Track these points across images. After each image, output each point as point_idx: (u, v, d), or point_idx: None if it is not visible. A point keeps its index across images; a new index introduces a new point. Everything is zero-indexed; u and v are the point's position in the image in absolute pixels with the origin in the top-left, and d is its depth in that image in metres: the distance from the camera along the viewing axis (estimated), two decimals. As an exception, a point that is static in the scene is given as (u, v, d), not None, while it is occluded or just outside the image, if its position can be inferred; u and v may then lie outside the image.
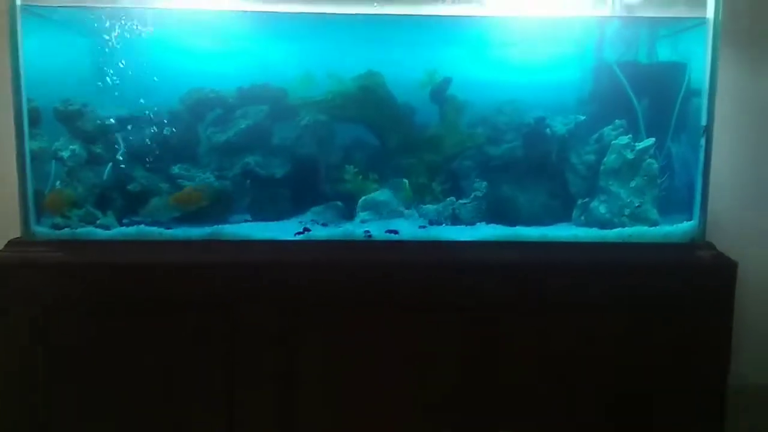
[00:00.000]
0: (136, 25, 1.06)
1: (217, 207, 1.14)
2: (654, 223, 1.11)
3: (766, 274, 1.49)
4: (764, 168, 1.48)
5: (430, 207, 1.18)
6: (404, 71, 1.21)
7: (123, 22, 1.06)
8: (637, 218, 1.12)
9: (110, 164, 1.12)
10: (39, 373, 1.00)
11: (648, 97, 1.21)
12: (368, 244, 1.08)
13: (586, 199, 1.17)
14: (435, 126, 1.23)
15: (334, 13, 1.04)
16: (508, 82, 1.22)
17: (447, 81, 1.22)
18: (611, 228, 1.12)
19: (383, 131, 1.23)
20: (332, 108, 1.20)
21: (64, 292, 1.01)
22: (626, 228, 1.11)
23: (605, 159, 1.15)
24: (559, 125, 1.21)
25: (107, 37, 1.08)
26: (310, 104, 1.20)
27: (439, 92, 1.22)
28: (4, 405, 1.00)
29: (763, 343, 1.56)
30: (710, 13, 1.05)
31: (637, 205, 1.11)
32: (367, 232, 1.09)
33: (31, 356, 1.00)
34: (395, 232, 1.09)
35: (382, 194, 1.17)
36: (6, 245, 1.04)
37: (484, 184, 1.18)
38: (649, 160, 1.11)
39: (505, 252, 1.06)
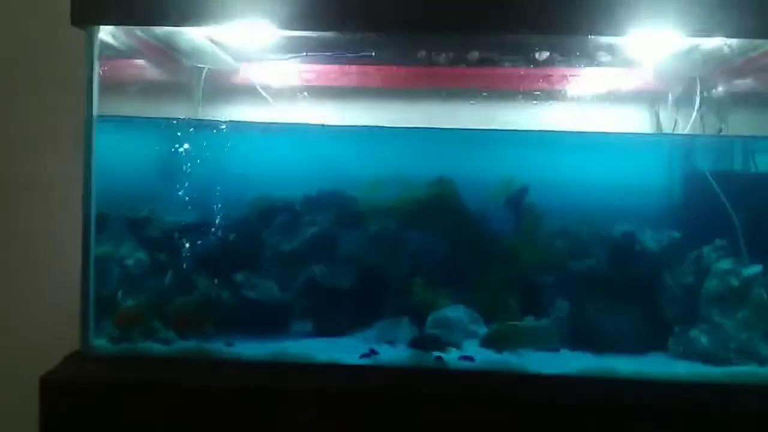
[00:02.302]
0: (206, 136, 1.06)
1: (281, 320, 1.09)
2: (765, 361, 0.98)
3: None
4: None
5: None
6: (479, 179, 1.15)
7: (192, 132, 1.06)
8: (744, 353, 0.99)
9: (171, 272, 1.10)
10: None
11: (746, 212, 1.10)
12: (438, 374, 1.00)
13: (682, 328, 1.04)
14: (511, 237, 1.15)
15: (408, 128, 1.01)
16: (593, 195, 1.14)
17: (524, 190, 1.15)
18: (716, 363, 1.00)
19: (455, 242, 1.16)
20: (401, 215, 1.15)
21: (109, 410, 0.96)
22: (731, 366, 0.99)
23: (706, 284, 1.04)
24: (649, 240, 1.11)
25: (177, 146, 1.08)
26: (379, 211, 1.15)
27: (516, 201, 1.15)
28: None
29: None
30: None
31: (745, 338, 0.98)
32: (440, 357, 1.00)
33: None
34: (470, 358, 1.00)
35: (454, 310, 1.09)
36: (63, 360, 1.01)
37: (566, 303, 1.09)
38: (758, 290, 0.99)
39: (593, 389, 0.95)
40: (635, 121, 1.33)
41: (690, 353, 1.03)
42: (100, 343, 1.04)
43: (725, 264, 1.03)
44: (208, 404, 0.96)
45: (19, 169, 1.37)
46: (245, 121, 1.12)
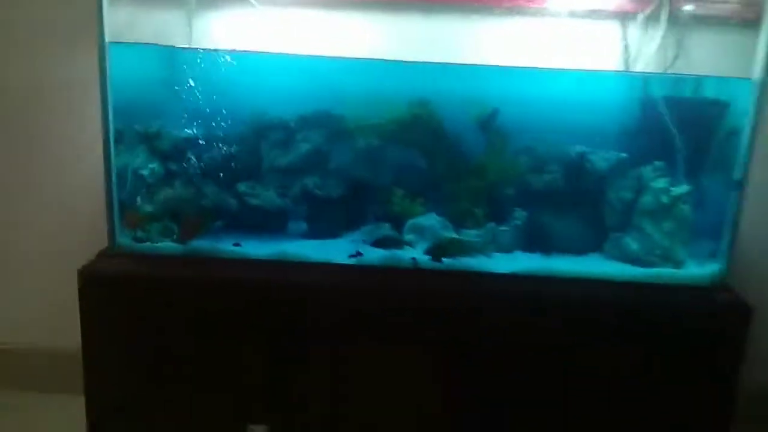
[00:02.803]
0: (210, 62, 1.16)
1: (279, 224, 1.28)
2: (680, 265, 1.20)
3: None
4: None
5: (471, 231, 1.28)
6: (455, 102, 1.28)
7: (199, 59, 1.16)
8: (665, 258, 1.20)
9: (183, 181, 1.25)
10: (126, 361, 1.18)
11: (689, 136, 1.26)
12: (413, 274, 1.20)
13: (618, 235, 1.25)
14: (480, 154, 1.31)
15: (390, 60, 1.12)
16: (555, 120, 1.28)
17: (495, 112, 1.29)
18: (640, 265, 1.21)
19: (432, 158, 1.31)
20: (386, 133, 1.29)
21: (137, 300, 1.16)
22: (654, 267, 1.20)
23: (641, 199, 1.22)
24: (600, 160, 1.28)
25: (185, 68, 1.19)
26: (365, 129, 1.29)
27: (487, 122, 1.30)
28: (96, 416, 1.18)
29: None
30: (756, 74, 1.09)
31: (666, 245, 1.19)
32: (414, 260, 1.20)
33: (122, 354, 1.17)
34: (439, 259, 1.20)
35: (427, 218, 1.27)
36: (96, 256, 1.19)
37: (524, 213, 1.28)
38: (682, 206, 1.18)
39: (537, 285, 1.17)
40: (607, 37, 1.44)
41: (621, 256, 1.24)
42: (125, 241, 1.22)
43: (660, 183, 1.21)
44: (217, 295, 1.16)
45: (37, 73, 1.48)
46: (245, 51, 1.21)
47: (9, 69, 1.49)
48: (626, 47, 1.42)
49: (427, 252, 1.22)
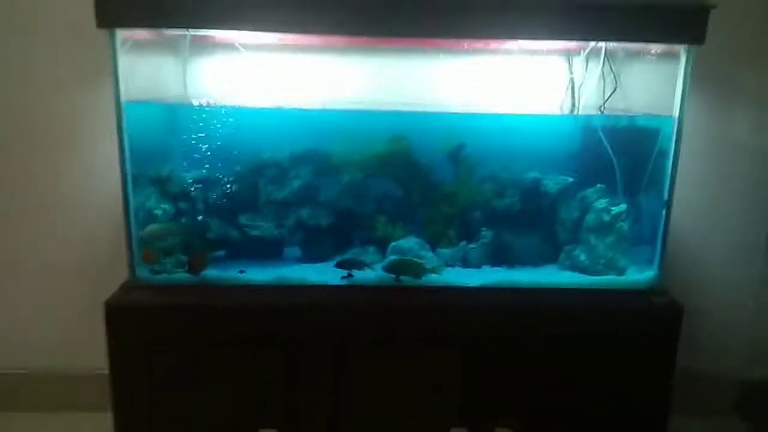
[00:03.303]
0: (212, 114, 1.34)
1: (277, 251, 1.46)
2: (622, 272, 1.42)
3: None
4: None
5: (445, 251, 1.48)
6: (427, 138, 1.48)
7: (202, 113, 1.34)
8: (609, 267, 1.42)
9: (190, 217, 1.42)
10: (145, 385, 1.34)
11: (626, 161, 1.47)
12: (395, 288, 1.40)
13: (569, 248, 1.47)
14: (450, 183, 1.51)
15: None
16: (513, 151, 1.49)
17: (461, 146, 1.49)
18: (588, 274, 1.43)
19: (409, 188, 1.51)
20: (369, 168, 1.48)
21: (158, 327, 1.33)
22: (600, 276, 1.42)
23: (587, 217, 1.44)
24: (551, 184, 1.49)
25: (189, 120, 1.36)
26: (350, 165, 1.48)
27: (455, 155, 1.50)
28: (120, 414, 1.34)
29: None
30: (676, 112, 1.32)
31: (609, 256, 1.41)
32: (397, 278, 1.39)
33: (140, 374, 1.33)
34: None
35: (407, 241, 1.47)
36: (119, 289, 1.35)
37: (490, 232, 1.48)
38: (620, 224, 1.40)
39: (501, 298, 1.37)
40: (553, 70, 1.66)
41: (573, 266, 1.46)
42: (144, 274, 1.38)
43: (601, 203, 1.43)
44: (229, 319, 1.33)
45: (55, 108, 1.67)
46: (241, 106, 1.40)
47: (30, 105, 1.68)
48: (572, 80, 1.64)
49: (384, 269, 1.41)
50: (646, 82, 1.61)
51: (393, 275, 1.40)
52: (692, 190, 1.78)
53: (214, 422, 1.36)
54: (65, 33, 1.62)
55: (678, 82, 1.30)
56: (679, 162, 1.39)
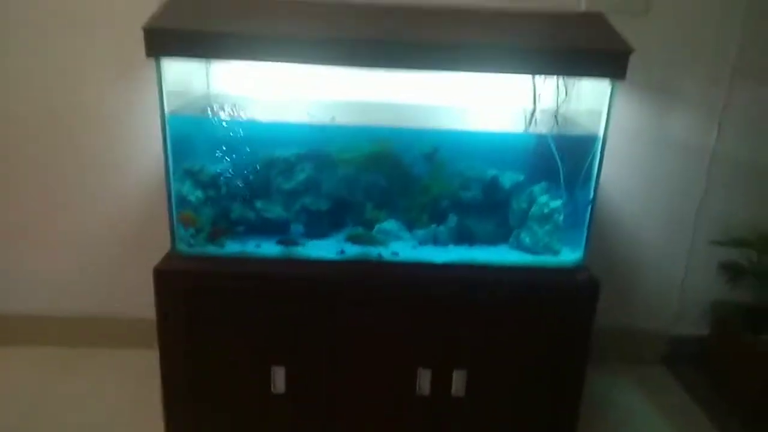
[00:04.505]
0: (235, 122, 1.69)
1: (286, 230, 1.83)
2: (556, 253, 1.78)
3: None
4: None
5: (420, 231, 1.84)
6: (408, 142, 1.82)
7: (228, 124, 1.69)
8: (546, 249, 1.79)
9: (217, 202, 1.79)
10: (189, 333, 1.73)
11: (565, 165, 1.81)
12: (379, 264, 1.77)
13: (517, 232, 1.83)
14: (426, 177, 1.86)
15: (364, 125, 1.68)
16: (477, 154, 1.84)
17: (436, 148, 1.83)
18: (531, 254, 1.79)
19: (392, 180, 1.86)
20: (359, 164, 1.83)
21: (193, 287, 1.71)
22: (540, 255, 1.78)
23: (532, 208, 1.80)
24: (506, 181, 1.84)
25: (216, 127, 1.71)
26: (346, 162, 1.82)
27: (430, 155, 1.84)
28: (167, 362, 1.73)
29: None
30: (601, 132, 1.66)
31: (546, 241, 1.78)
32: (380, 254, 1.76)
33: (182, 325, 1.72)
34: (396, 253, 1.77)
35: (389, 224, 1.83)
36: (163, 258, 1.73)
37: (456, 217, 1.85)
38: (556, 215, 1.76)
39: (462, 271, 1.75)
40: (517, 89, 1.98)
41: (519, 247, 1.82)
42: (182, 247, 1.75)
43: (543, 198, 1.77)
44: (248, 284, 1.70)
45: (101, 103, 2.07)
46: (258, 120, 1.76)
47: (83, 97, 2.08)
48: (534, 90, 1.96)
49: (347, 240, 1.81)
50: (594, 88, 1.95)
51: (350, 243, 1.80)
52: (633, 175, 2.19)
53: (236, 361, 1.75)
54: (115, 35, 2.00)
55: (603, 109, 1.64)
56: (622, 155, 1.79)
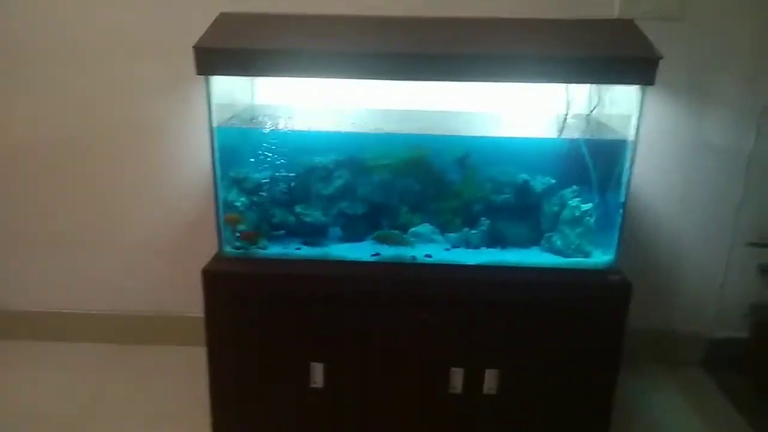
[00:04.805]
0: (277, 133, 1.80)
1: (324, 234, 1.92)
2: (587, 255, 1.82)
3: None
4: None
5: (452, 235, 1.90)
6: (441, 148, 1.89)
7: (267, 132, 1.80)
8: (578, 251, 1.82)
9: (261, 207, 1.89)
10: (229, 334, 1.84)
11: (596, 169, 1.84)
12: (413, 266, 1.84)
13: (549, 235, 1.87)
14: (458, 182, 1.92)
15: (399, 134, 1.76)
16: (508, 158, 1.89)
17: (467, 154, 1.89)
18: (563, 256, 1.83)
19: (426, 185, 1.93)
20: (394, 170, 1.91)
21: (239, 287, 1.81)
22: (571, 258, 1.82)
23: (563, 212, 1.84)
24: (538, 185, 1.89)
25: (260, 137, 1.82)
26: (381, 168, 1.90)
27: (462, 161, 1.91)
28: (214, 358, 1.83)
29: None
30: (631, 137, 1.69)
31: (577, 243, 1.81)
32: (413, 257, 1.83)
33: (228, 323, 1.83)
34: (429, 256, 1.84)
35: (423, 228, 1.90)
36: (211, 259, 1.84)
37: (488, 221, 1.90)
38: (587, 218, 1.79)
39: (494, 272, 1.80)
40: (551, 95, 2.03)
41: (551, 249, 1.86)
42: (228, 249, 1.86)
43: (574, 202, 1.81)
44: (289, 285, 1.80)
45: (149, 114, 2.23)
46: (299, 130, 1.87)
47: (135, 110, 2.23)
48: (567, 95, 2.00)
49: (373, 239, 1.89)
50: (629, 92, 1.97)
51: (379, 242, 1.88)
52: (671, 178, 2.21)
53: (278, 357, 1.85)
54: (167, 53, 2.13)
55: (634, 114, 1.67)
56: (659, 157, 1.85)
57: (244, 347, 1.84)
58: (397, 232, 1.89)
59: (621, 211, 1.74)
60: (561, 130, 1.92)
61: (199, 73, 1.65)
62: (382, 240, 1.88)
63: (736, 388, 2.31)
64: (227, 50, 1.64)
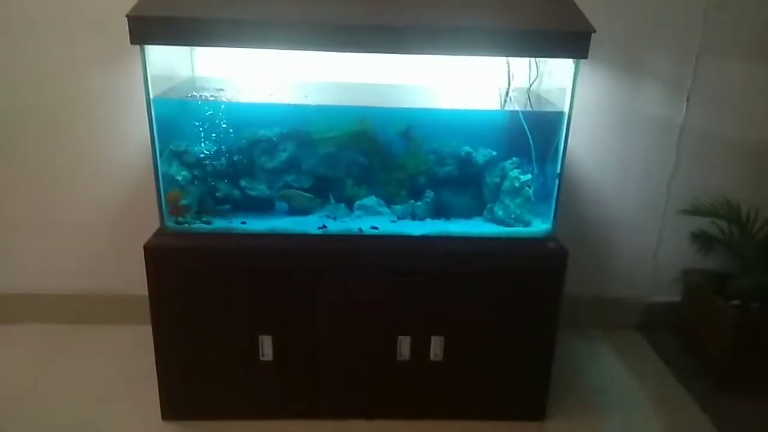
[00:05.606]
0: (218, 104, 1.76)
1: (270, 207, 1.91)
2: (527, 225, 1.88)
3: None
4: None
5: (398, 207, 1.93)
6: (385, 120, 1.90)
7: (211, 106, 1.76)
8: (518, 221, 1.88)
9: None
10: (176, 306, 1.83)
11: (537, 139, 1.90)
12: (359, 238, 1.86)
13: (490, 205, 1.92)
14: (403, 154, 1.94)
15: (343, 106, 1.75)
16: (451, 130, 1.92)
17: (410, 126, 1.92)
18: (504, 226, 1.88)
19: (371, 158, 1.94)
20: (339, 143, 1.91)
21: (182, 262, 1.80)
22: (512, 227, 1.88)
23: (504, 182, 1.89)
24: (480, 156, 1.93)
25: (201, 107, 1.79)
26: (326, 140, 1.91)
27: (406, 133, 1.93)
28: (160, 335, 1.82)
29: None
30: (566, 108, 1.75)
31: (518, 213, 1.87)
32: (360, 229, 1.85)
33: (173, 298, 1.81)
34: (376, 227, 1.86)
35: (369, 200, 1.92)
36: (153, 235, 1.81)
37: (432, 193, 1.93)
38: (526, 189, 1.85)
39: (438, 243, 1.84)
40: (491, 68, 2.07)
41: (493, 219, 1.91)
42: (170, 224, 1.84)
43: (514, 173, 1.86)
44: (235, 259, 1.80)
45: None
46: (241, 101, 1.84)
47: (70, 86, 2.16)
48: (508, 69, 2.04)
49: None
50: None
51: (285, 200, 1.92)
52: (607, 149, 2.29)
53: (226, 332, 1.85)
54: (100, 25, 2.06)
55: (568, 87, 1.72)
56: (595, 130, 1.88)
57: (190, 323, 1.83)
58: (309, 195, 1.91)
59: (557, 181, 1.81)
60: (503, 104, 1.96)
61: (132, 43, 1.60)
62: (287, 198, 1.90)
63: (668, 349, 2.44)
64: (161, 18, 1.60)
